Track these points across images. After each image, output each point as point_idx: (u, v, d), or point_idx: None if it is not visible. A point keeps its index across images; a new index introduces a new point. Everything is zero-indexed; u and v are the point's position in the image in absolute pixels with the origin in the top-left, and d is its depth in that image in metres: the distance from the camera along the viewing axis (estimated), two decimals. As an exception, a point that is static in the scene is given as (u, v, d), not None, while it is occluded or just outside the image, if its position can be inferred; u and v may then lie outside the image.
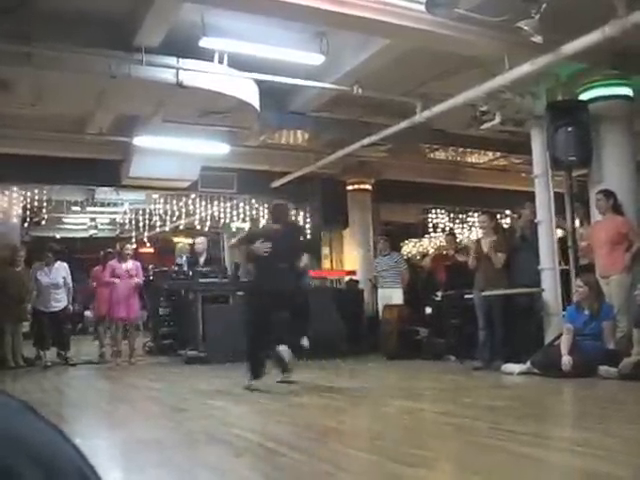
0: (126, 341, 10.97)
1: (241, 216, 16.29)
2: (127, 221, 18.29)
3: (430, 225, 18.40)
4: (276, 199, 7.68)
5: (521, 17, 6.37)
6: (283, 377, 6.83)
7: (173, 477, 3.35)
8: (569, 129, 7.87)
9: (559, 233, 8.65)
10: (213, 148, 11.31)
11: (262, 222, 16.06)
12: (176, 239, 12.21)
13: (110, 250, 11.88)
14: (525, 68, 7.53)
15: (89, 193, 15.35)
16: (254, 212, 16.11)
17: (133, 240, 18.25)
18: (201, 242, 11.92)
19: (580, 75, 8.27)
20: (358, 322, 11.71)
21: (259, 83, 9.13)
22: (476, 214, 15.66)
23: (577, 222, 8.85)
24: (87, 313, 18.83)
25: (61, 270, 10.63)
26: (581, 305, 7.14)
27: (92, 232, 20.27)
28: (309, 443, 3.98)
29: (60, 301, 10.52)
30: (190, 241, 12.49)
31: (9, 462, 0.54)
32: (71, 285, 10.78)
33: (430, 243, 20.27)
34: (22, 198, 14.39)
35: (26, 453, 0.55)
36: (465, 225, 18.45)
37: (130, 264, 10.84)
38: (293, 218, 7.25)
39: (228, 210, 16.24)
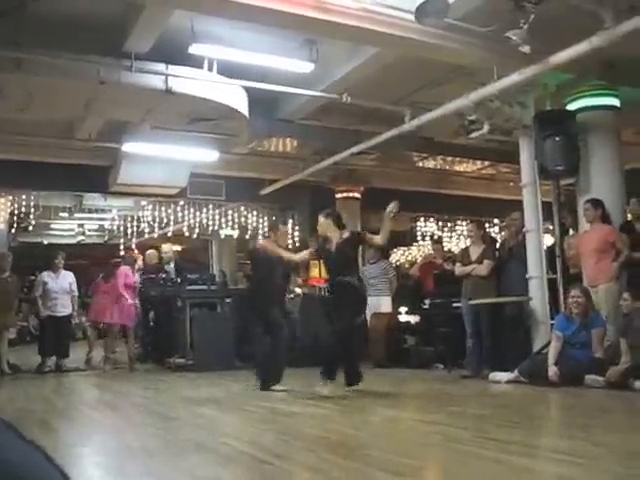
0: (119, 348, 11.07)
1: (230, 223, 16.27)
2: (115, 227, 18.22)
3: (419, 233, 18.42)
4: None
5: (510, 27, 6.40)
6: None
7: (159, 486, 3.33)
8: (557, 139, 7.92)
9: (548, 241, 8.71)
10: (202, 155, 11.30)
11: (251, 229, 16.08)
12: (164, 246, 12.22)
13: (118, 260, 11.92)
14: (513, 78, 7.57)
15: (77, 199, 15.30)
16: (243, 219, 16.10)
17: (121, 247, 18.18)
18: (167, 250, 12.00)
19: (568, 85, 8.33)
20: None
21: (248, 90, 9.13)
22: (464, 222, 15.71)
23: (571, 231, 8.93)
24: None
25: (67, 277, 10.87)
26: (572, 315, 7.14)
27: (80, 238, 20.17)
28: (296, 452, 3.97)
29: (66, 307, 10.74)
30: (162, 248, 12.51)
31: None
32: (76, 293, 10.95)
33: (419, 251, 20.28)
34: (9, 203, 14.31)
35: (4, 475, 0.54)
36: (453, 233, 18.47)
37: (136, 276, 11.00)
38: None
39: (217, 217, 16.21)
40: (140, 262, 11.73)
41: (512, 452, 3.70)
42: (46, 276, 10.68)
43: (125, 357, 11.20)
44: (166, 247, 12.22)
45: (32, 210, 14.84)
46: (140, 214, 16.83)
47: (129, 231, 17.88)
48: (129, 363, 10.77)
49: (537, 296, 8.17)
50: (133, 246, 17.77)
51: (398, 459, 3.61)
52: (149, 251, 12.55)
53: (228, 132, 10.51)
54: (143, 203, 15.81)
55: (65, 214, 16.53)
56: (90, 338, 11.77)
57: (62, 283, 10.69)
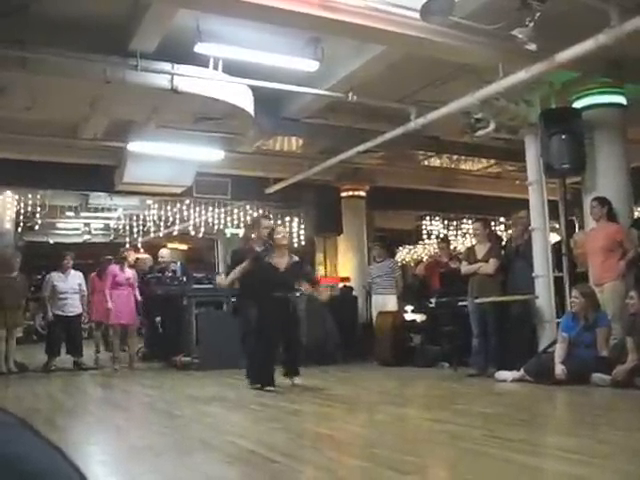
0: (125, 347, 11.08)
1: (235, 222, 16.27)
2: (121, 226, 18.25)
3: (424, 232, 18.40)
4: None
5: (515, 25, 6.39)
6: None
7: (166, 484, 3.34)
8: (563, 137, 7.90)
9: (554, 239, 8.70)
10: (207, 154, 11.30)
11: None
12: (162, 250, 12.24)
13: (109, 257, 11.92)
14: (519, 76, 7.55)
15: (83, 198, 15.31)
16: (248, 218, 16.09)
17: (127, 245, 18.19)
18: (165, 255, 12.11)
19: (574, 83, 8.31)
20: (352, 329, 11.71)
21: (254, 89, 9.13)
22: (470, 221, 15.69)
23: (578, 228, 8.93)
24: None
25: (76, 277, 10.95)
26: (577, 315, 7.14)
27: (86, 237, 20.19)
28: (303, 450, 3.97)
29: (76, 307, 10.80)
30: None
31: None
32: (85, 293, 11.02)
33: (424, 250, 20.27)
34: (16, 203, 14.35)
35: (20, 472, 0.54)
36: (459, 232, 18.45)
37: (130, 273, 10.96)
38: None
39: (222, 216, 16.22)
40: (130, 259, 11.68)
41: (518, 450, 3.69)
42: (56, 277, 10.72)
43: (133, 356, 11.25)
44: (164, 252, 12.25)
45: (38, 209, 14.87)
46: (146, 213, 16.84)
47: (135, 230, 17.90)
48: (129, 362, 10.76)
49: (543, 295, 8.16)
50: (139, 245, 17.84)
51: (405, 457, 3.61)
52: (145, 255, 12.60)
53: (233, 131, 10.50)
54: (149, 202, 15.82)
55: (71, 213, 16.55)
56: (96, 337, 11.81)
57: (71, 283, 10.74)
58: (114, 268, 10.95)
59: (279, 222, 15.24)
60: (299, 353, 7.54)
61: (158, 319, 11.69)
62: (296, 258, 7.60)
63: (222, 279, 7.45)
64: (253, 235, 7.96)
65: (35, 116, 9.34)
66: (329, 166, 11.96)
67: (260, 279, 7.21)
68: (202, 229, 16.67)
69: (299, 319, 7.79)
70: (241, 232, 16.62)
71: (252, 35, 7.78)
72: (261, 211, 15.93)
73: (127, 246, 17.03)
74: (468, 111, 8.68)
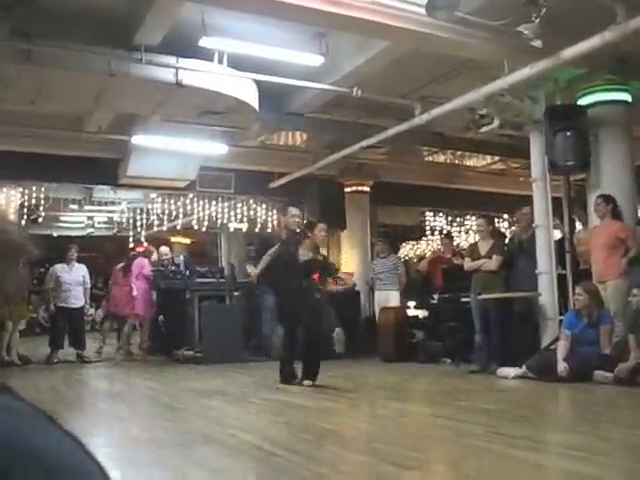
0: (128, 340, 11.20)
1: (239, 216, 16.27)
2: (125, 220, 18.25)
3: (427, 228, 18.39)
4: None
5: (521, 21, 6.38)
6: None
7: (167, 477, 3.35)
8: (568, 134, 7.87)
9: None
10: (211, 148, 11.30)
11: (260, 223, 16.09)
12: (162, 248, 12.31)
13: (136, 253, 12.03)
14: (524, 72, 7.53)
15: (87, 191, 15.32)
16: (252, 212, 16.10)
17: (130, 239, 18.22)
18: (166, 252, 12.18)
19: (579, 80, 8.28)
20: (354, 324, 11.71)
21: (258, 83, 9.12)
22: (474, 217, 15.67)
23: (579, 226, 8.91)
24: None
25: (80, 270, 11.05)
26: (580, 312, 7.14)
27: (89, 231, 20.23)
28: (305, 445, 3.98)
29: (79, 299, 10.89)
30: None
31: (12, 469, 0.53)
32: (89, 286, 11.13)
33: (427, 246, 20.26)
34: (19, 195, 14.36)
35: (46, 463, 0.53)
36: (463, 228, 18.43)
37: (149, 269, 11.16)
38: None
39: (226, 210, 16.22)
40: (156, 255, 11.83)
41: (521, 447, 3.70)
42: (60, 269, 10.77)
43: (135, 349, 11.27)
44: (164, 249, 12.34)
45: (42, 202, 14.88)
46: (149, 207, 16.85)
47: (138, 224, 17.91)
48: (142, 355, 10.82)
49: (546, 292, 8.15)
50: (142, 239, 17.83)
51: (407, 453, 3.62)
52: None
53: (238, 125, 10.49)
54: (152, 196, 15.82)
55: (75, 206, 16.56)
56: (103, 330, 11.86)
57: (75, 275, 10.82)
58: (142, 261, 11.08)
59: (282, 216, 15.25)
60: (318, 351, 7.23)
61: (161, 318, 11.73)
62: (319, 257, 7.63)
63: (253, 269, 7.27)
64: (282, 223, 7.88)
65: (40, 109, 9.35)
66: (333, 161, 11.95)
67: (285, 266, 7.11)
68: (205, 223, 16.67)
69: (320, 309, 7.79)
70: (244, 226, 16.65)
71: (257, 29, 7.77)
72: (264, 205, 15.95)
73: (142, 239, 17.08)
74: (473, 107, 8.66)
